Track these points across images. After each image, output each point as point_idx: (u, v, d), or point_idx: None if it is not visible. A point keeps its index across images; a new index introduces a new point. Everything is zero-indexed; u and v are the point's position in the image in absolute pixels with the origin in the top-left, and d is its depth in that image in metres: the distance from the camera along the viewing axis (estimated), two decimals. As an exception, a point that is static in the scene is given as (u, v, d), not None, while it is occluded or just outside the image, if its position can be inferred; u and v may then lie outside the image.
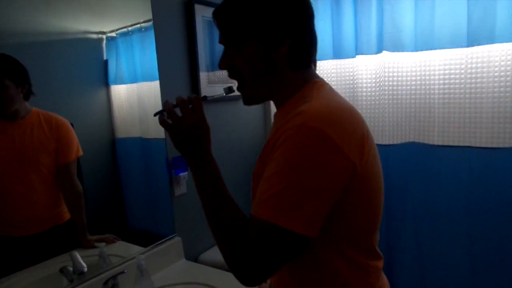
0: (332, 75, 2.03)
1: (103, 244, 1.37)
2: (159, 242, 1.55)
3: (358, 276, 0.79)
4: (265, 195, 0.67)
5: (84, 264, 1.27)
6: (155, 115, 0.82)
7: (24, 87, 1.14)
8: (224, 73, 1.84)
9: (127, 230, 1.46)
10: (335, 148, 0.65)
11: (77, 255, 1.27)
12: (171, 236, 1.62)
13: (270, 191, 0.66)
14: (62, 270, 1.24)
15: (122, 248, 1.43)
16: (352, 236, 0.76)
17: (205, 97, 0.86)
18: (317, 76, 0.84)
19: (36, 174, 1.20)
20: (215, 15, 0.80)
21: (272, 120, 2.22)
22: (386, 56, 1.84)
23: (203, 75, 1.75)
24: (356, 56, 1.94)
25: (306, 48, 0.79)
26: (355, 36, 1.92)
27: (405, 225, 1.89)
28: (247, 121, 2.14)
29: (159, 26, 1.54)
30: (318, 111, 0.69)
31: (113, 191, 1.44)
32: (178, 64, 1.67)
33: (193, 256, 1.76)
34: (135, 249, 1.47)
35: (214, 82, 1.84)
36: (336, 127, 0.67)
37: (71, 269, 1.25)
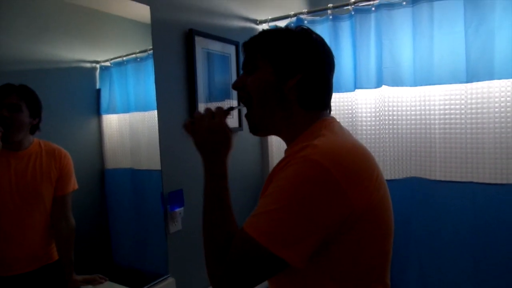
0: (332, 108, 2.01)
1: (91, 287, 1.29)
2: (152, 284, 1.45)
3: None
4: (257, 212, 0.69)
5: None
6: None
7: (35, 119, 1.13)
8: (223, 104, 1.85)
9: (113, 268, 1.38)
10: (337, 190, 0.65)
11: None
12: (165, 277, 1.53)
13: (263, 209, 0.68)
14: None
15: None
16: (356, 273, 0.73)
17: (230, 107, 0.88)
18: (327, 115, 0.86)
19: (36, 208, 1.17)
20: (244, 43, 0.85)
21: (271, 152, 2.19)
22: (385, 91, 1.84)
23: (201, 106, 1.74)
24: (355, 90, 1.93)
25: (316, 89, 0.81)
26: (354, 70, 1.93)
27: (408, 261, 1.82)
28: (245, 151, 2.11)
29: (159, 56, 1.54)
30: (326, 147, 0.70)
31: (100, 225, 1.38)
32: (176, 94, 1.66)
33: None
34: (125, 290, 1.39)
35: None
36: (341, 167, 0.67)
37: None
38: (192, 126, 0.83)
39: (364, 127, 1.92)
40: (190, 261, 1.66)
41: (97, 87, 1.31)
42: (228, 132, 0.82)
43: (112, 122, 1.34)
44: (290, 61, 0.79)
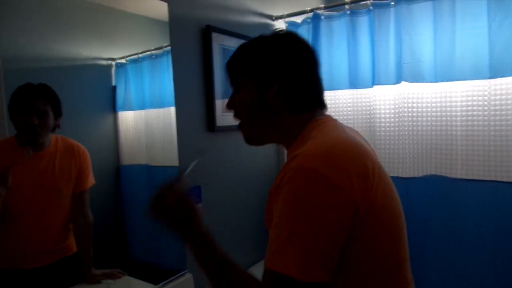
0: (348, 105, 1.99)
1: (110, 281, 1.30)
2: (170, 279, 1.45)
3: None
4: (272, 246, 0.66)
5: None
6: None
7: (57, 119, 1.15)
8: None
9: (129, 263, 1.39)
10: (333, 187, 0.63)
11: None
12: (182, 273, 1.53)
13: (277, 242, 0.65)
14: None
15: (128, 284, 1.36)
16: (372, 272, 0.71)
17: (179, 175, 0.85)
18: (321, 115, 0.83)
19: (56, 205, 1.20)
20: (226, 64, 0.86)
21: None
22: (405, 87, 1.79)
23: (218, 103, 1.74)
24: (374, 86, 1.89)
25: (299, 92, 0.80)
26: (372, 66, 1.89)
27: (427, 259, 1.79)
28: (261, 151, 2.10)
29: (177, 53, 1.54)
30: (314, 151, 0.68)
31: (115, 221, 1.39)
32: (194, 91, 1.66)
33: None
34: (142, 285, 1.39)
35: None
36: (333, 166, 0.65)
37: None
38: (156, 213, 0.81)
39: (383, 124, 1.88)
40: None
41: (113, 84, 1.32)
42: (185, 202, 0.80)
43: (127, 118, 1.35)
44: (266, 72, 0.79)
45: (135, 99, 1.38)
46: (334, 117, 0.84)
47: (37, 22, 1.12)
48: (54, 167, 1.17)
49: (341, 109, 2.01)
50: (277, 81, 0.78)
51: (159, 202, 0.80)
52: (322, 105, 0.84)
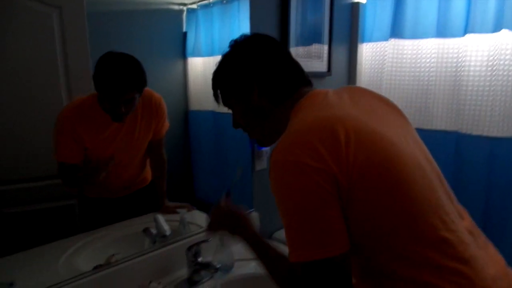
0: (433, 56, 1.80)
1: (184, 210, 1.42)
2: None
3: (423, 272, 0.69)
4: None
5: (167, 228, 1.32)
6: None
7: (141, 92, 1.20)
8: (312, 48, 1.80)
9: (194, 202, 1.48)
10: (306, 169, 0.66)
11: (160, 218, 1.33)
12: (249, 211, 1.61)
13: (286, 236, 0.72)
14: (145, 231, 1.31)
15: (197, 217, 1.47)
16: (381, 230, 0.70)
17: (227, 191, 1.10)
18: (304, 94, 0.84)
19: (139, 154, 1.32)
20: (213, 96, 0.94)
21: None
22: (505, 36, 1.57)
23: (292, 50, 1.69)
24: (465, 35, 1.69)
25: (276, 83, 0.85)
26: (467, 11, 1.67)
27: (506, 226, 1.66)
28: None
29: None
30: (282, 143, 0.71)
31: (183, 161, 1.47)
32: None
33: (268, 232, 1.75)
34: (210, 220, 1.49)
35: (303, 57, 1.77)
36: (300, 149, 0.68)
37: (154, 231, 1.32)
38: (212, 226, 1.06)
39: (471, 78, 1.69)
40: (272, 197, 1.71)
41: (184, 30, 1.34)
42: (234, 214, 1.00)
43: (197, 65, 1.38)
44: (242, 82, 0.85)
45: (204, 45, 1.39)
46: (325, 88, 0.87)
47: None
48: (135, 128, 1.25)
49: (423, 60, 1.84)
50: (253, 83, 0.84)
51: (216, 217, 1.05)
52: (304, 83, 0.88)
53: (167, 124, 1.33)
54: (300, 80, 0.88)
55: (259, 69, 0.84)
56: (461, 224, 0.75)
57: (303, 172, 0.67)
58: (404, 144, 0.76)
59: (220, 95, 0.92)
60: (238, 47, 0.88)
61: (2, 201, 1.00)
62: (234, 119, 0.94)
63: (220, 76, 0.91)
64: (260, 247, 0.91)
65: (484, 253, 0.75)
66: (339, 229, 0.68)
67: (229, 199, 1.07)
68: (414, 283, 0.68)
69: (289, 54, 0.90)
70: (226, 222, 1.01)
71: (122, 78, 1.12)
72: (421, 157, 0.77)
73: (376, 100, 0.88)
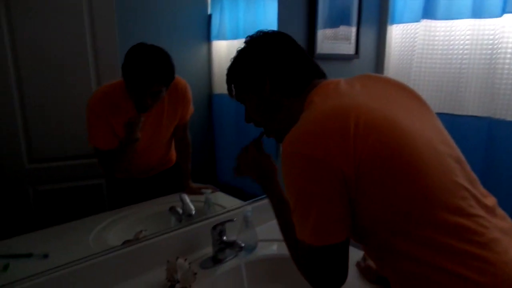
0: (467, 37, 1.73)
1: (209, 191, 1.46)
2: (260, 197, 1.55)
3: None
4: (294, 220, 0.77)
5: (193, 207, 1.37)
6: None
7: (168, 86, 1.22)
8: (339, 30, 1.76)
9: (216, 185, 1.51)
10: (316, 162, 0.69)
11: (187, 197, 1.37)
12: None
13: (293, 217, 0.77)
14: (171, 210, 1.36)
15: (221, 198, 1.50)
16: (393, 214, 0.70)
17: (258, 137, 1.04)
18: (316, 86, 0.85)
19: (166, 138, 1.36)
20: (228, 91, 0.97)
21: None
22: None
23: (320, 33, 1.67)
24: (503, 15, 1.60)
25: (288, 76, 0.86)
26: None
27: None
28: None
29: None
30: (293, 134, 0.74)
31: (206, 145, 1.49)
32: (296, 19, 1.61)
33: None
34: (233, 201, 1.52)
35: (331, 39, 1.75)
36: (306, 142, 0.71)
37: (180, 210, 1.36)
38: (239, 169, 1.05)
39: (508, 61, 1.62)
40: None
41: (209, 12, 1.34)
42: (262, 162, 1.00)
43: (221, 48, 1.38)
44: (253, 77, 0.88)
45: (229, 28, 1.39)
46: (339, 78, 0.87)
47: None
48: (163, 115, 1.28)
49: (456, 42, 1.77)
50: (265, 76, 0.86)
51: (243, 160, 1.03)
52: (317, 75, 0.89)
53: (192, 109, 1.36)
54: (313, 73, 0.89)
55: (271, 63, 0.87)
56: (483, 208, 0.74)
57: (308, 164, 0.70)
58: (418, 128, 0.75)
59: (234, 90, 0.95)
60: (252, 42, 0.91)
61: (36, 178, 1.06)
62: (246, 113, 0.96)
63: (233, 70, 0.93)
64: (280, 206, 0.94)
65: (510, 238, 0.73)
66: (339, 219, 0.71)
67: (260, 145, 1.04)
68: (433, 268, 0.68)
69: (302, 49, 0.91)
70: (253, 169, 1.01)
71: (150, 71, 1.14)
72: (436, 141, 0.76)
73: (390, 86, 0.87)
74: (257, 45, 0.90)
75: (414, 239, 0.69)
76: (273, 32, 0.92)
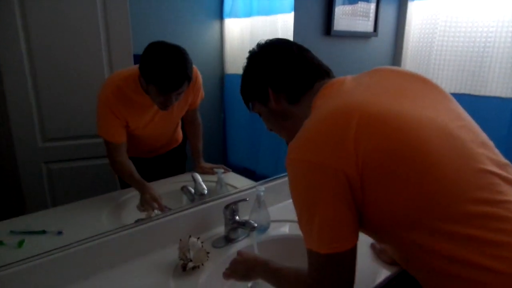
0: (493, 14, 1.65)
1: (221, 170, 1.45)
2: (273, 178, 1.54)
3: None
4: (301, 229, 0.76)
5: (205, 187, 1.37)
6: None
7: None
8: (358, 6, 1.71)
9: (227, 166, 1.50)
10: (317, 167, 0.69)
11: (199, 177, 1.38)
12: (283, 175, 1.60)
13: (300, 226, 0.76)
14: (183, 189, 1.36)
15: (233, 178, 1.50)
16: (404, 211, 0.69)
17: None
18: (317, 89, 0.85)
19: (176, 122, 1.37)
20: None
21: (404, 60, 2.01)
22: None
23: (338, 9, 1.63)
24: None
25: (287, 83, 0.88)
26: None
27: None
28: (376, 58, 1.96)
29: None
30: (296, 142, 0.74)
31: (217, 125, 1.49)
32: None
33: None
34: (245, 181, 1.52)
35: (348, 15, 1.70)
36: (312, 149, 0.71)
37: (192, 189, 1.36)
38: (229, 274, 1.02)
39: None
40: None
41: (222, -11, 1.31)
42: (242, 265, 0.99)
43: (233, 26, 1.35)
44: (257, 88, 0.91)
45: (242, 6, 1.35)
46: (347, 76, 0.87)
47: None
48: (174, 105, 1.24)
49: (481, 19, 1.69)
50: (267, 87, 0.88)
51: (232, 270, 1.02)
52: (319, 76, 0.87)
53: (202, 93, 1.34)
54: (314, 75, 0.88)
55: (269, 74, 0.89)
56: None
57: (309, 170, 0.70)
58: (432, 116, 0.73)
59: (247, 101, 0.98)
60: (251, 58, 0.94)
61: (50, 157, 1.08)
62: (265, 123, 0.99)
63: (241, 87, 0.97)
64: (275, 278, 0.92)
65: None
66: (344, 225, 0.70)
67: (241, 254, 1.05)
68: (461, 264, 0.66)
69: (301, 52, 0.91)
70: (239, 271, 1.01)
71: (180, 75, 1.13)
72: (454, 127, 0.73)
73: (402, 77, 0.85)
74: (255, 59, 0.93)
75: (435, 235, 0.67)
76: (270, 42, 0.94)
